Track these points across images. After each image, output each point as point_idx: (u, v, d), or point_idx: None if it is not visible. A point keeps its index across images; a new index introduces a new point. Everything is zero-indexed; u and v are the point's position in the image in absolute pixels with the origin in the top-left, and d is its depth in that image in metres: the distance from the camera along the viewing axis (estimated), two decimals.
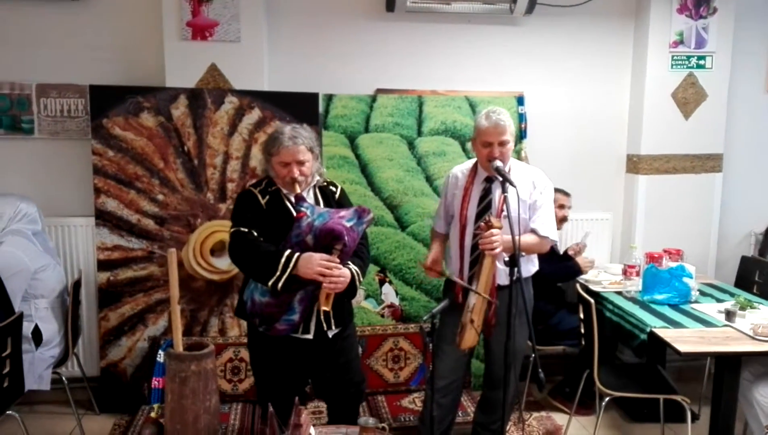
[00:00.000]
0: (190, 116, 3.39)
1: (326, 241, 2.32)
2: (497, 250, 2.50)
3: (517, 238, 2.36)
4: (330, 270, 2.26)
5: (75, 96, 3.55)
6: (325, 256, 2.28)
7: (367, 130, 3.64)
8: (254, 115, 3.45)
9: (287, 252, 2.28)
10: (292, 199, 2.44)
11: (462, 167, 2.86)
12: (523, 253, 2.64)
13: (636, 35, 4.03)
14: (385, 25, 3.81)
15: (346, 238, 2.30)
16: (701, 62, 3.95)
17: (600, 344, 2.95)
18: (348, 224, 2.34)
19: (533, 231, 2.69)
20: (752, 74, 4.17)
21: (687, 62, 3.94)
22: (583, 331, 3.11)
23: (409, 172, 3.66)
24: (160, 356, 1.89)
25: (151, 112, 3.37)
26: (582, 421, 3.43)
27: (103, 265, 3.39)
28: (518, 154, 3.69)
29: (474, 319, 2.53)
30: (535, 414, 3.51)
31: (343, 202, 2.61)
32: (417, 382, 3.64)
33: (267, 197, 2.45)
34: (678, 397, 2.91)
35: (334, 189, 2.62)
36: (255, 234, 2.37)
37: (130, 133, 3.36)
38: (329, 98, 3.60)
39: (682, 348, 2.63)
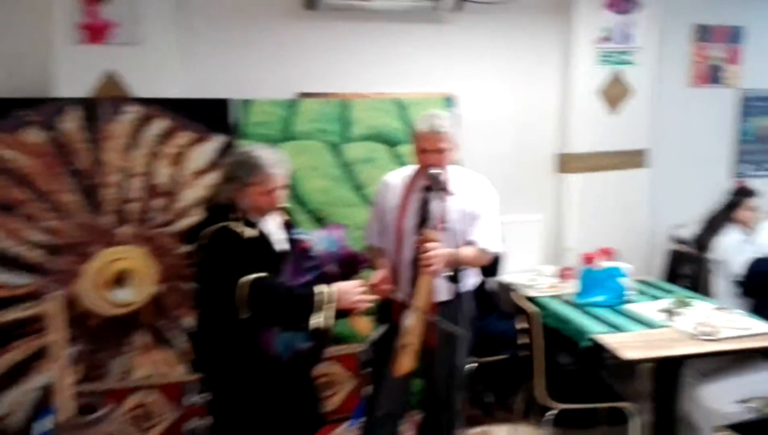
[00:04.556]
0: (84, 130, 3.01)
1: (351, 266, 2.37)
2: (436, 266, 2.32)
3: (457, 250, 2.26)
4: (366, 295, 2.24)
5: None
6: (358, 282, 2.26)
7: (289, 137, 3.37)
8: (160, 125, 3.10)
9: (322, 288, 2.16)
10: (264, 230, 2.28)
11: (398, 174, 2.68)
12: (464, 267, 2.47)
13: (563, 31, 3.95)
14: (305, 25, 3.58)
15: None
16: (627, 58, 3.92)
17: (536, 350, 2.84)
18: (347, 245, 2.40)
19: (472, 243, 2.53)
20: (676, 69, 4.22)
21: (614, 58, 3.90)
22: (520, 341, 2.99)
23: (336, 181, 3.43)
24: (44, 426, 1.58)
25: (38, 126, 2.94)
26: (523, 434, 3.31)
27: None
28: None
29: (411, 343, 2.36)
30: (471, 431, 3.33)
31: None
32: (357, 418, 3.32)
33: (251, 231, 2.24)
34: (624, 405, 2.83)
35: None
36: (270, 275, 2.18)
37: (12, 151, 2.93)
38: (247, 104, 3.31)
39: (629, 354, 2.57)
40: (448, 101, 3.64)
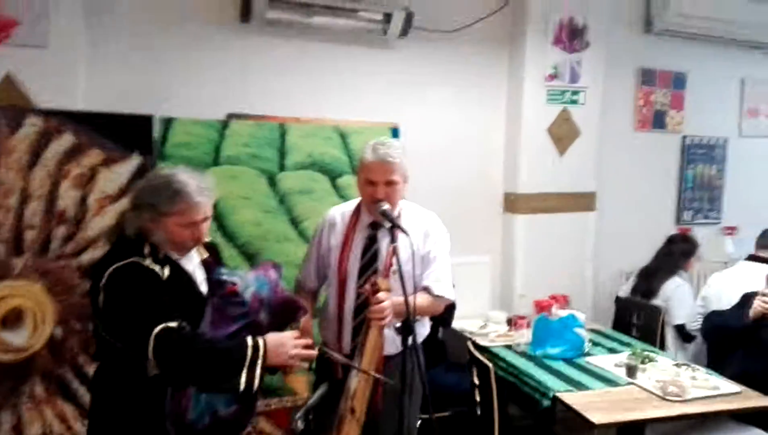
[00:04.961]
0: None
1: (286, 315, 1.99)
2: (387, 320, 2.01)
3: (409, 298, 1.94)
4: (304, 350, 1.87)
5: None
6: (294, 334, 1.89)
7: (217, 162, 3.00)
8: (65, 141, 2.67)
9: (250, 341, 1.78)
10: (186, 269, 1.93)
11: (341, 209, 2.38)
12: (417, 317, 2.17)
13: (511, 66, 3.81)
14: (239, 39, 3.25)
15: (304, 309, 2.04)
16: (575, 97, 3.81)
17: (491, 408, 2.55)
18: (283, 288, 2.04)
19: (426, 289, 2.24)
20: (621, 111, 4.16)
21: (562, 97, 3.78)
22: (478, 397, 2.71)
23: (269, 213, 3.08)
24: None
25: None
26: None
27: None
28: None
29: (355, 407, 2.01)
30: None
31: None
32: None
33: (167, 269, 1.85)
34: None
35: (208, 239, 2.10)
36: (185, 325, 1.79)
37: None
38: (168, 122, 2.92)
39: (596, 418, 2.34)
40: (394, 132, 3.39)
